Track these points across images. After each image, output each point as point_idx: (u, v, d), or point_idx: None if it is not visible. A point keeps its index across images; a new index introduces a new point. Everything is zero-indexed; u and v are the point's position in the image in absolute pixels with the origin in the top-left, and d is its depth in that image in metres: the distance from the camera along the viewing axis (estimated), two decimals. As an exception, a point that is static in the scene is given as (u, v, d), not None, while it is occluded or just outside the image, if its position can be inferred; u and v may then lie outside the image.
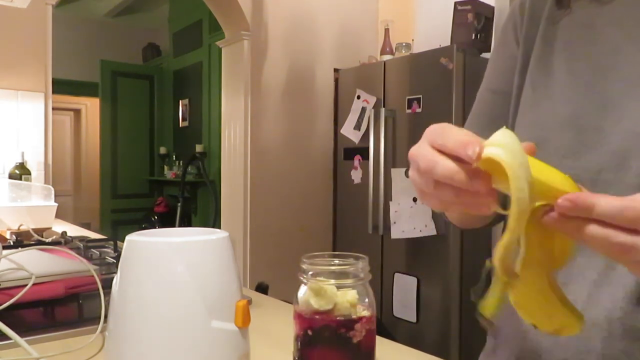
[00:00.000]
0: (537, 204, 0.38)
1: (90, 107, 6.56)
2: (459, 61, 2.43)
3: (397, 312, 2.63)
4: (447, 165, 0.39)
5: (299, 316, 0.56)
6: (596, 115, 0.55)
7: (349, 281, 0.56)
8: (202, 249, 0.53)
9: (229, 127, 3.02)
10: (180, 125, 5.29)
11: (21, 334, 0.65)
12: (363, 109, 2.90)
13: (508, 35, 0.68)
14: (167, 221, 5.15)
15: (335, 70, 3.19)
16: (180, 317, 0.50)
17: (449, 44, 2.59)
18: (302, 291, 0.56)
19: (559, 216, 0.36)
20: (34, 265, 0.82)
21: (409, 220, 2.55)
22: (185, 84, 5.18)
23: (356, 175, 2.95)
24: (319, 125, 3.16)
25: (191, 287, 0.51)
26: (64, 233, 1.53)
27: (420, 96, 2.58)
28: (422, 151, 0.41)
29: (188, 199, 4.82)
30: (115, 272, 0.54)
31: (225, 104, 3.07)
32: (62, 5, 5.20)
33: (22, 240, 1.35)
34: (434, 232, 2.45)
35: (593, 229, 0.35)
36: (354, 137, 2.96)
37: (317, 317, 0.54)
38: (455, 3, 2.64)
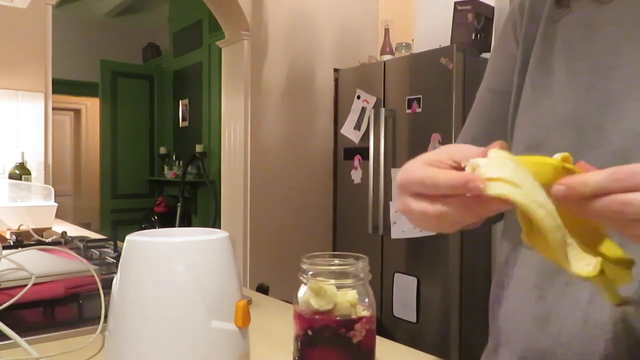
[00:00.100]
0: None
1: (90, 107, 6.56)
2: (459, 61, 2.43)
3: (397, 312, 2.63)
4: (451, 173, 0.41)
5: (299, 316, 0.56)
6: (596, 114, 0.55)
7: (349, 281, 0.56)
8: (202, 249, 0.53)
9: (229, 127, 3.02)
10: (180, 125, 5.29)
11: (21, 334, 0.65)
12: (363, 109, 2.90)
13: (508, 35, 0.68)
14: (167, 221, 5.15)
15: (335, 70, 3.19)
16: (180, 317, 0.50)
17: (449, 44, 2.59)
18: (302, 291, 0.56)
19: (562, 201, 0.38)
20: (34, 265, 0.82)
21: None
22: (185, 84, 5.18)
23: (356, 175, 2.95)
24: (319, 125, 3.16)
25: (191, 287, 0.51)
26: (64, 233, 1.53)
27: (420, 96, 2.58)
28: (414, 177, 0.43)
29: (188, 199, 4.82)
30: (115, 272, 0.54)
31: (225, 104, 3.07)
32: (62, 5, 5.20)
33: (22, 240, 1.35)
34: (433, 232, 2.45)
35: (595, 203, 0.37)
36: (354, 137, 2.96)
37: (317, 317, 0.54)
38: (455, 3, 2.64)
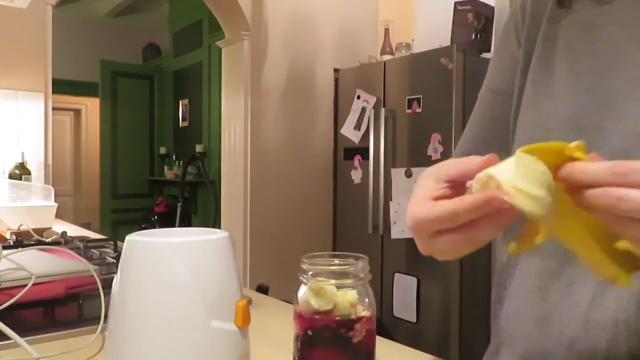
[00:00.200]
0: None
1: (90, 107, 6.56)
2: (459, 61, 2.43)
3: (397, 312, 2.63)
4: (467, 198, 0.39)
5: (299, 316, 0.56)
6: (597, 114, 0.55)
7: (349, 281, 0.56)
8: (202, 249, 0.53)
9: (229, 127, 3.02)
10: (180, 125, 5.29)
11: (21, 334, 0.65)
12: (363, 109, 2.90)
13: (509, 35, 0.68)
14: (167, 221, 5.15)
15: (335, 70, 3.19)
16: (180, 317, 0.50)
17: (449, 44, 2.59)
18: (302, 291, 0.56)
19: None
20: (34, 265, 0.82)
21: (409, 220, 2.55)
22: (185, 84, 5.19)
23: (356, 175, 2.95)
24: (319, 125, 3.16)
25: (191, 287, 0.50)
26: (64, 233, 1.53)
27: (420, 96, 2.58)
28: (428, 218, 0.42)
29: (188, 199, 4.82)
30: (115, 272, 0.54)
31: (225, 104, 3.07)
32: (62, 5, 5.21)
33: (22, 240, 1.35)
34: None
35: (592, 191, 0.36)
36: (354, 137, 2.96)
37: (317, 317, 0.54)
38: (455, 3, 2.64)
